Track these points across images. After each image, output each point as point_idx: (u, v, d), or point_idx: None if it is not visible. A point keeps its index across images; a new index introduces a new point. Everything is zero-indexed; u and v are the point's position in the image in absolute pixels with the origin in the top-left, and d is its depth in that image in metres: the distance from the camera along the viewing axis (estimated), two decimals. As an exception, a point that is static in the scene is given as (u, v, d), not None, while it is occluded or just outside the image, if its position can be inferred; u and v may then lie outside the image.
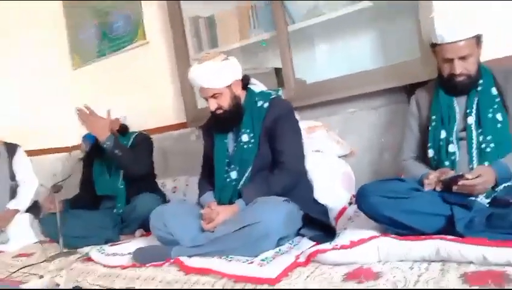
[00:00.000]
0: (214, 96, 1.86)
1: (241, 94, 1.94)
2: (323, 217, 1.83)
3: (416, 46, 2.14)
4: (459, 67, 1.65)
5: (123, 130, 2.64)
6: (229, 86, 1.87)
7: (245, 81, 1.97)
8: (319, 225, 1.73)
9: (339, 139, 2.28)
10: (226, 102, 1.88)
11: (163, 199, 2.53)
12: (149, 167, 2.56)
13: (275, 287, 1.32)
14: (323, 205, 1.95)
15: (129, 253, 1.88)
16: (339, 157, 2.25)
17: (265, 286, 1.34)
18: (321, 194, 1.98)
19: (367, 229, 1.57)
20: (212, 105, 1.88)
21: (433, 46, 1.75)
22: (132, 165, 2.37)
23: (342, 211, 2.00)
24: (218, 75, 1.84)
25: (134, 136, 2.61)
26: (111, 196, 2.55)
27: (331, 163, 2.13)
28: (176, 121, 3.07)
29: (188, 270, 1.57)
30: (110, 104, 2.64)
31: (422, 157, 1.84)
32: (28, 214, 2.80)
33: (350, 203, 2.13)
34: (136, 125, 2.77)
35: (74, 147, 3.76)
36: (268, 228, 1.54)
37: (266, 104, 1.90)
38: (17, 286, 1.84)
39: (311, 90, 2.44)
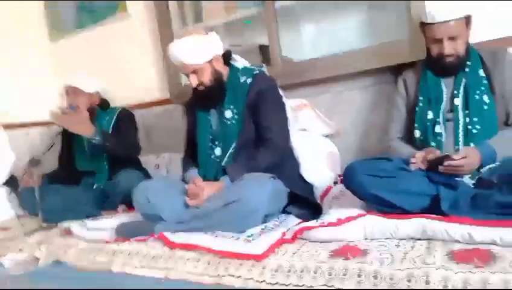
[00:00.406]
0: (194, 72, 1.82)
1: (223, 70, 1.90)
2: (309, 195, 1.83)
3: (405, 26, 2.14)
4: (448, 48, 1.66)
5: (104, 104, 2.56)
6: (209, 62, 1.82)
7: (226, 57, 1.93)
8: (305, 203, 1.73)
9: (325, 119, 2.27)
10: (207, 78, 1.83)
11: (146, 176, 2.48)
12: (136, 146, 2.50)
13: (261, 263, 1.32)
14: (309, 183, 1.95)
15: (112, 228, 1.85)
16: (325, 136, 2.25)
17: (251, 262, 1.34)
18: (307, 173, 1.97)
19: (354, 208, 1.58)
20: (193, 81, 1.83)
21: (423, 25, 1.75)
22: (122, 149, 2.34)
23: (327, 190, 2.01)
24: (197, 51, 1.79)
25: (117, 112, 2.54)
26: (91, 171, 2.49)
27: (316, 142, 2.12)
28: (160, 97, 3.01)
29: (172, 245, 1.55)
30: (82, 76, 2.57)
31: (408, 138, 1.86)
32: (5, 188, 2.72)
33: (335, 183, 2.14)
34: (117, 101, 2.70)
35: (53, 122, 3.65)
36: (254, 204, 1.53)
37: (249, 80, 1.86)
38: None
39: (298, 69, 2.41)
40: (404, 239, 1.34)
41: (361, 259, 1.23)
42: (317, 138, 2.16)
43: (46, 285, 1.48)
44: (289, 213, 1.74)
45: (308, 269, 1.23)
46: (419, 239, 1.33)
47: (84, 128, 2.22)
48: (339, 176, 2.19)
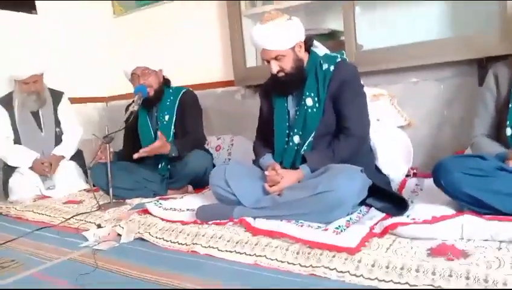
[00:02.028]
0: (276, 58, 1.79)
1: (304, 57, 1.86)
2: (388, 187, 1.79)
3: (494, 17, 2.03)
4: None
5: (166, 82, 2.58)
6: (292, 48, 1.79)
7: (308, 43, 1.89)
8: (384, 196, 1.70)
9: (400, 109, 2.21)
10: (288, 65, 1.80)
11: (212, 157, 2.51)
12: (201, 132, 2.52)
13: (355, 257, 1.31)
14: (385, 175, 1.91)
15: (188, 209, 1.88)
16: (398, 127, 2.20)
17: (344, 255, 1.33)
18: (383, 164, 1.94)
19: (438, 204, 1.54)
20: (274, 68, 1.80)
21: (525, 18, 1.65)
22: (192, 148, 2.39)
23: (403, 183, 1.98)
24: (281, 37, 1.75)
25: (182, 93, 2.55)
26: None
27: (392, 133, 2.08)
28: (223, 78, 3.00)
29: (255, 231, 1.56)
30: (152, 56, 2.58)
31: (494, 136, 1.78)
32: (74, 162, 2.81)
33: (408, 176, 2.11)
34: (180, 81, 2.71)
35: (111, 98, 3.73)
36: (345, 196, 1.52)
37: (332, 68, 1.81)
38: (78, 233, 1.86)
39: (372, 57, 2.35)
40: (505, 242, 1.30)
41: (465, 260, 1.19)
42: (393, 129, 2.11)
43: (132, 262, 1.51)
44: (368, 205, 1.72)
45: (408, 267, 1.21)
46: (521, 243, 1.28)
47: (164, 150, 2.32)
48: (412, 168, 2.15)
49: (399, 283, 1.17)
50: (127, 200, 2.28)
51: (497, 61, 1.86)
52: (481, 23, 2.10)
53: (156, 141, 2.29)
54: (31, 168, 2.67)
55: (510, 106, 1.70)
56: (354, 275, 1.25)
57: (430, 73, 2.26)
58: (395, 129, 2.14)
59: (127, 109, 2.64)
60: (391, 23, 2.47)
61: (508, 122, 1.69)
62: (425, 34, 2.25)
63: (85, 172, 2.80)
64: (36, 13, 3.32)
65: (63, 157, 2.76)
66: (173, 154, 2.32)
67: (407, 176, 2.09)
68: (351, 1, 2.36)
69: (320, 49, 1.94)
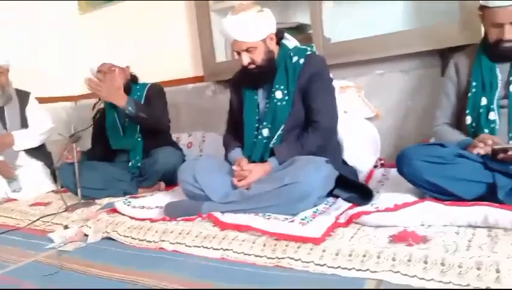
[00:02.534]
0: (247, 50, 1.79)
1: (275, 49, 1.87)
2: (354, 178, 1.82)
3: (454, 9, 2.07)
4: (509, 33, 1.61)
5: (134, 79, 2.55)
6: (263, 40, 1.79)
7: (279, 36, 1.89)
8: (352, 186, 1.72)
9: (367, 101, 2.24)
10: (259, 57, 1.80)
11: (182, 153, 2.49)
12: (165, 117, 2.48)
13: (320, 247, 1.32)
14: (351, 166, 1.94)
15: (156, 206, 1.87)
16: (365, 119, 2.23)
17: (309, 245, 1.34)
18: (350, 156, 1.96)
19: (403, 193, 1.58)
20: (245, 59, 1.80)
21: (482, 8, 1.69)
22: (154, 122, 2.31)
23: (370, 174, 2.01)
24: (253, 28, 1.76)
25: (147, 87, 2.52)
26: (125, 150, 2.50)
27: (359, 125, 2.10)
28: (192, 74, 2.98)
29: (223, 226, 1.56)
30: (120, 53, 2.55)
31: (456, 124, 1.83)
32: (41, 162, 2.74)
33: (375, 166, 2.14)
34: (149, 77, 2.68)
35: (80, 97, 3.66)
36: (310, 187, 1.53)
37: (302, 60, 1.83)
38: (44, 235, 1.82)
39: (339, 49, 2.37)
40: (463, 226, 1.34)
41: (425, 245, 1.22)
42: (360, 121, 2.13)
43: (99, 262, 1.49)
44: (335, 196, 1.74)
45: (370, 254, 1.23)
46: (479, 227, 1.32)
47: (118, 98, 2.14)
48: (379, 159, 2.19)
49: (360, 269, 1.19)
50: (97, 200, 2.25)
51: (458, 51, 1.91)
52: (443, 14, 2.14)
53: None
54: None
55: (470, 94, 1.74)
56: (318, 264, 1.26)
57: (395, 65, 2.30)
58: (363, 121, 2.16)
59: (94, 106, 2.60)
60: (357, 16, 2.49)
61: (467, 111, 1.74)
62: (390, 26, 2.29)
63: (53, 173, 2.74)
64: (-2, 6, 3.22)
65: (13, 141, 2.67)
66: (130, 109, 2.14)
67: (375, 166, 2.13)
68: (317, -6, 2.37)
69: (290, 42, 1.95)
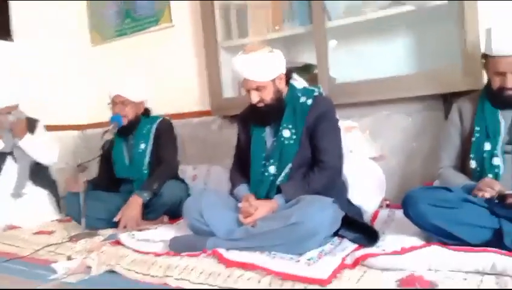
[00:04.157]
0: (257, 88, 1.84)
1: (284, 89, 1.92)
2: (360, 219, 1.83)
3: (457, 54, 2.14)
4: (511, 82, 1.66)
5: (146, 113, 2.60)
6: (273, 80, 1.85)
7: (288, 76, 1.95)
8: (357, 227, 1.73)
9: (371, 141, 2.28)
10: (268, 96, 1.85)
11: (187, 187, 2.50)
12: (175, 159, 2.53)
13: (326, 288, 1.32)
14: (357, 206, 1.95)
15: (161, 240, 1.86)
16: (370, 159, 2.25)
17: (315, 287, 1.33)
18: (355, 196, 1.98)
19: (409, 235, 1.59)
20: (254, 98, 1.85)
21: (485, 57, 1.75)
22: (166, 179, 2.37)
23: (375, 214, 2.02)
24: (263, 68, 1.81)
25: (157, 121, 2.57)
26: (130, 180, 2.51)
27: (365, 165, 2.13)
28: (199, 108, 3.03)
29: (228, 263, 1.55)
30: (130, 85, 2.60)
31: (460, 168, 1.86)
32: (46, 191, 2.74)
33: (381, 207, 2.15)
34: (156, 110, 2.73)
35: (88, 126, 3.70)
36: (317, 227, 1.54)
37: (310, 101, 1.88)
38: (47, 265, 1.80)
39: (344, 90, 2.42)
40: (471, 273, 1.34)
41: (433, 291, 1.22)
42: (365, 161, 2.16)
43: (101, 295, 1.48)
44: (341, 236, 1.74)
45: (378, 298, 1.23)
46: (487, 274, 1.32)
47: (136, 206, 2.25)
48: (384, 200, 2.20)
49: (369, 314, 1.19)
50: (100, 231, 2.24)
51: (461, 96, 1.96)
52: (446, 59, 2.21)
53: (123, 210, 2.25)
54: None
55: (473, 139, 1.78)
56: (325, 306, 1.26)
57: (400, 106, 2.35)
58: (368, 161, 2.19)
59: (103, 135, 2.63)
60: (362, 56, 2.57)
61: (472, 156, 1.77)
62: (394, 69, 2.35)
63: (57, 201, 2.74)
64: (12, 40, 3.31)
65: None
66: (146, 196, 2.27)
67: (380, 207, 2.13)
68: (323, 36, 2.45)
69: (298, 82, 2.00)
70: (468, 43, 2.06)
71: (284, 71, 1.90)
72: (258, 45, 1.89)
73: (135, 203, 2.25)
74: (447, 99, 2.19)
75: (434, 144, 2.20)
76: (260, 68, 1.80)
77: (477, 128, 1.78)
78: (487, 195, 1.52)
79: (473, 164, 1.76)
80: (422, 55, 2.41)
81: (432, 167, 2.03)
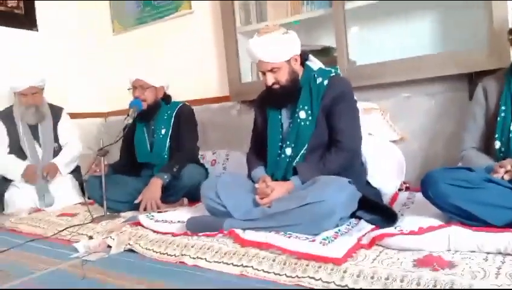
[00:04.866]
0: (272, 70, 1.82)
1: (299, 70, 1.89)
2: (378, 200, 1.79)
3: (482, 32, 2.06)
4: (540, 58, 1.59)
5: (167, 98, 2.62)
6: (288, 61, 1.83)
7: (304, 57, 1.92)
8: (375, 208, 1.70)
9: (391, 124, 2.23)
10: (283, 77, 1.83)
11: (206, 171, 2.52)
12: (195, 144, 2.55)
13: (341, 267, 1.30)
14: (376, 188, 1.92)
15: (179, 221, 1.89)
16: (390, 141, 2.21)
17: (330, 266, 1.32)
18: (374, 178, 1.94)
19: (428, 217, 1.54)
20: (270, 80, 1.83)
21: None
22: (186, 164, 2.39)
23: (395, 197, 1.98)
24: (278, 49, 1.79)
25: (178, 107, 2.60)
26: (151, 165, 2.55)
27: (385, 147, 2.09)
28: (219, 94, 3.04)
29: (244, 243, 1.56)
30: (150, 72, 2.62)
31: (483, 149, 1.79)
32: (70, 175, 2.82)
33: (400, 190, 2.11)
34: (176, 96, 2.75)
35: (110, 113, 3.77)
36: (333, 207, 1.52)
37: (326, 82, 1.84)
38: (69, 244, 1.86)
39: (364, 72, 2.37)
40: (492, 253, 1.30)
41: (451, 271, 1.19)
42: (384, 143, 2.12)
43: (120, 273, 1.51)
44: (358, 217, 1.72)
45: (394, 277, 1.20)
46: (509, 254, 1.27)
47: (156, 187, 2.28)
48: (404, 183, 2.15)
49: (383, 293, 1.17)
50: (122, 213, 2.28)
51: (486, 75, 1.88)
52: (470, 38, 2.13)
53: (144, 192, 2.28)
54: (22, 175, 2.67)
55: (499, 119, 1.71)
56: (339, 285, 1.24)
57: (422, 88, 2.28)
58: (387, 143, 2.15)
59: (124, 121, 2.68)
60: (383, 40, 2.50)
61: (496, 136, 1.70)
62: (416, 50, 2.28)
63: (81, 185, 2.81)
64: (37, 30, 3.40)
65: (58, 169, 2.77)
66: (166, 178, 2.31)
67: (399, 190, 2.09)
68: (342, 18, 2.40)
69: (315, 63, 1.97)
70: (495, 19, 1.97)
71: (299, 52, 1.88)
72: (273, 26, 1.87)
73: (155, 185, 2.28)
74: (472, 80, 2.11)
75: (457, 126, 2.13)
76: (274, 49, 1.79)
77: (502, 108, 1.71)
78: (506, 177, 1.46)
79: (497, 144, 1.69)
80: (446, 35, 2.32)
81: (455, 150, 1.97)
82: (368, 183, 1.93)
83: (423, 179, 1.53)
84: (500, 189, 1.46)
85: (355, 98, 1.93)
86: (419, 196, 1.89)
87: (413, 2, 2.35)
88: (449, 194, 1.44)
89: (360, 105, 2.05)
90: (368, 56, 2.48)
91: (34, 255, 1.80)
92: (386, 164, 2.01)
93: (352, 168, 1.85)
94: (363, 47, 2.59)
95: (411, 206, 1.86)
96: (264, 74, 1.85)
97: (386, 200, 1.93)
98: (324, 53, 2.65)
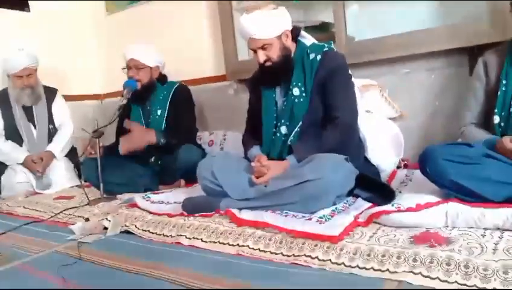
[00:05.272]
0: (263, 47, 1.78)
1: (291, 46, 1.85)
2: (376, 178, 1.77)
3: (482, 5, 2.00)
4: (543, 29, 1.54)
5: (162, 78, 2.58)
6: (278, 37, 1.78)
7: (295, 33, 1.87)
8: (373, 186, 1.68)
9: (390, 101, 2.19)
10: (275, 53, 1.79)
11: (203, 152, 2.50)
12: (193, 123, 2.52)
13: (337, 245, 1.29)
14: (374, 165, 1.89)
15: (175, 202, 1.87)
16: (389, 119, 2.17)
17: (326, 244, 1.31)
18: (372, 155, 1.91)
19: (426, 194, 1.52)
20: (261, 57, 1.79)
21: (514, 4, 1.62)
22: (183, 140, 2.39)
23: (393, 174, 1.96)
24: (267, 25, 1.75)
25: (174, 87, 2.55)
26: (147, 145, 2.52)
27: (382, 124, 2.04)
28: (215, 73, 2.99)
29: (240, 222, 1.55)
30: (145, 50, 2.57)
31: (483, 124, 1.76)
32: (66, 158, 2.80)
33: (398, 167, 2.08)
34: (172, 76, 2.70)
35: (105, 95, 3.73)
36: (329, 185, 1.50)
37: (319, 57, 1.80)
38: (66, 227, 1.85)
39: (362, 48, 2.32)
40: (490, 229, 1.28)
41: (448, 247, 1.17)
42: (383, 120, 2.08)
43: (116, 254, 1.50)
44: (356, 196, 1.70)
45: (390, 254, 1.19)
46: (507, 230, 1.26)
47: (149, 138, 2.33)
48: (403, 160, 2.13)
49: (379, 270, 1.16)
50: (118, 195, 2.27)
51: (487, 49, 1.84)
52: (471, 11, 2.07)
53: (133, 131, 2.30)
54: (22, 164, 2.66)
55: (499, 93, 1.67)
56: (336, 263, 1.23)
57: (421, 63, 2.23)
58: (386, 121, 2.11)
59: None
60: (381, 15, 2.44)
61: (496, 110, 1.66)
62: (415, 24, 2.22)
63: (77, 168, 2.79)
64: (29, 11, 3.33)
65: (54, 156, 2.75)
66: (162, 141, 2.32)
67: (398, 167, 2.07)
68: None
69: (307, 39, 1.92)
70: (495, -8, 1.91)
71: (290, 28, 1.83)
72: (262, 3, 1.82)
73: (147, 136, 2.33)
74: (473, 55, 2.06)
75: (457, 102, 2.08)
76: (264, 25, 1.74)
77: (503, 82, 1.67)
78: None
79: (496, 118, 1.65)
80: (445, 8, 2.25)
81: (455, 127, 1.94)
82: (366, 160, 1.90)
83: (421, 155, 1.51)
84: (499, 164, 1.44)
85: (349, 72, 1.88)
86: (417, 173, 1.87)
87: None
88: (447, 170, 1.41)
89: (358, 82, 2.02)
90: (366, 32, 2.43)
91: (31, 238, 1.80)
92: (384, 141, 1.97)
93: (350, 144, 1.81)
94: (361, 22, 2.53)
95: (409, 183, 1.84)
96: (255, 52, 1.81)
97: (384, 177, 1.91)
98: (323, 29, 2.60)
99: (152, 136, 2.32)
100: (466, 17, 2.08)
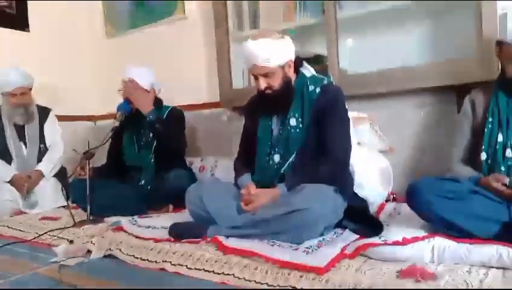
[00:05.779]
0: (265, 75, 1.79)
1: (292, 76, 1.87)
2: (365, 211, 1.77)
3: (471, 44, 2.06)
4: (527, 69, 1.59)
5: (157, 102, 2.60)
6: (282, 66, 1.80)
7: (298, 64, 1.91)
8: (361, 218, 1.67)
9: (381, 134, 2.22)
10: (276, 82, 1.80)
11: (194, 177, 2.49)
12: (182, 144, 2.52)
13: (323, 277, 1.27)
14: (362, 198, 1.89)
15: (162, 227, 1.85)
16: (379, 152, 2.19)
17: (312, 275, 1.29)
18: (361, 188, 1.92)
19: (414, 228, 1.52)
20: (262, 84, 1.80)
21: (499, 44, 1.68)
22: (169, 140, 2.38)
23: (381, 207, 1.96)
24: (272, 54, 1.75)
25: (168, 110, 2.58)
26: (138, 168, 2.52)
27: (372, 157, 2.07)
28: (209, 100, 3.01)
29: (227, 250, 1.53)
30: (141, 74, 2.59)
31: (470, 161, 1.78)
32: (54, 178, 2.78)
33: (387, 200, 2.09)
34: (166, 101, 2.72)
35: (100, 117, 3.73)
36: (317, 215, 1.49)
37: (318, 89, 1.83)
38: (49, 249, 1.81)
39: (354, 81, 2.36)
40: (476, 265, 1.28)
41: (434, 283, 1.17)
42: (373, 153, 2.10)
43: (98, 278, 1.47)
44: (344, 227, 1.69)
45: (376, 287, 1.18)
46: (493, 267, 1.26)
47: (145, 105, 2.40)
48: (391, 193, 2.14)
49: (365, 303, 1.14)
50: (105, 218, 2.24)
51: (475, 88, 1.88)
52: (460, 49, 2.13)
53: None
54: (10, 182, 2.63)
55: (486, 130, 1.70)
56: (321, 295, 1.22)
57: (412, 99, 2.27)
58: (375, 153, 2.14)
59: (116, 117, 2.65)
60: (374, 49, 2.50)
61: (483, 147, 1.69)
62: (406, 60, 2.28)
63: (66, 189, 2.76)
64: (29, 31, 3.37)
65: (43, 175, 2.73)
66: (151, 117, 2.36)
67: (386, 200, 2.08)
68: (334, 27, 2.40)
69: (308, 70, 1.95)
70: (484, 32, 1.97)
71: (293, 58, 1.86)
72: (268, 31, 1.86)
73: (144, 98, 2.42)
74: (461, 92, 2.11)
75: (446, 138, 2.12)
76: (269, 54, 1.74)
77: (490, 120, 1.70)
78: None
79: (483, 155, 1.68)
80: (436, 46, 2.32)
81: (443, 162, 1.96)
82: (355, 193, 1.90)
83: (407, 189, 1.52)
84: (486, 201, 1.45)
85: (346, 107, 1.91)
86: (405, 207, 1.87)
87: (404, 12, 2.35)
88: (434, 205, 1.43)
89: (350, 114, 2.04)
90: (359, 65, 2.48)
91: (12, 259, 1.76)
92: (373, 174, 1.99)
93: (340, 177, 1.80)
94: (354, 56, 2.59)
95: (397, 216, 1.85)
96: (256, 78, 1.82)
97: (373, 209, 1.91)
98: (317, 61, 2.64)
99: (148, 105, 2.42)
100: (456, 55, 2.14)
